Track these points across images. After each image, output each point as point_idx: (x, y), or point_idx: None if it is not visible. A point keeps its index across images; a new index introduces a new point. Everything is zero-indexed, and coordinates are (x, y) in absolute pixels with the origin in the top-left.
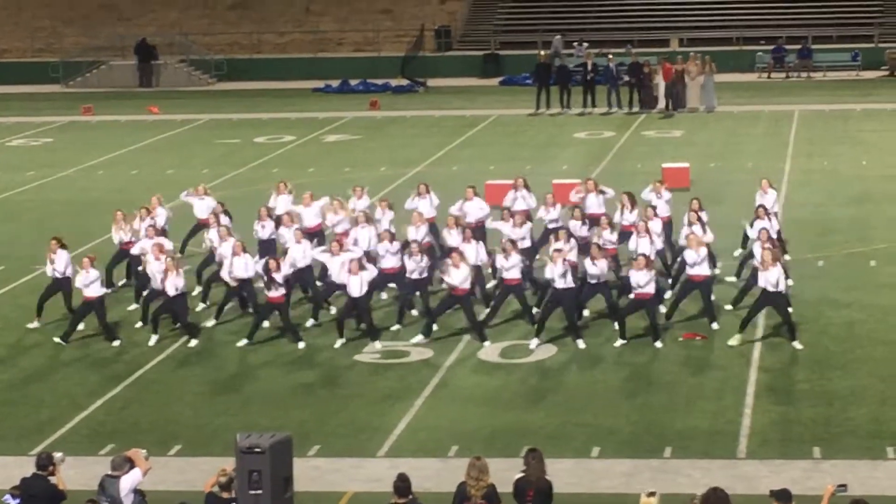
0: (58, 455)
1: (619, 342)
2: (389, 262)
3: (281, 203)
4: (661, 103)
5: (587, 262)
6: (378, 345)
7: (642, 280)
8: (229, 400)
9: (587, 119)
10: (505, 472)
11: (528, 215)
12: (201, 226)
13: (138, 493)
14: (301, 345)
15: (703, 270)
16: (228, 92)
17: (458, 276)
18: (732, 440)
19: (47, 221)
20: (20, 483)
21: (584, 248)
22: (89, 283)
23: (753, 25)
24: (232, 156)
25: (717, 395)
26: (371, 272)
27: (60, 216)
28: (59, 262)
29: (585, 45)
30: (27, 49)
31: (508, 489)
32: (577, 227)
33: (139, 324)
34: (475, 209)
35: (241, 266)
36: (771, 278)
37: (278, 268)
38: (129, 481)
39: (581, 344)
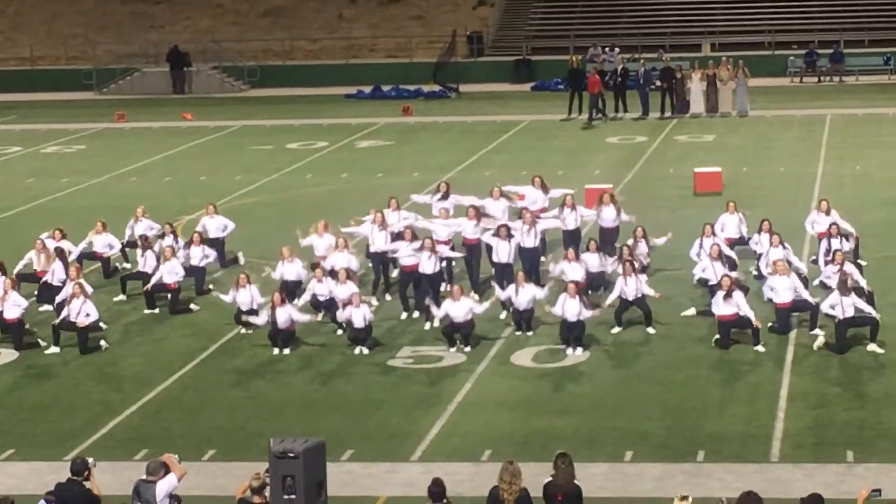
0: (89, 460)
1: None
2: (408, 260)
3: (210, 226)
4: (695, 108)
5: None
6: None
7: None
8: (262, 405)
9: (619, 124)
10: (538, 477)
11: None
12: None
13: (174, 499)
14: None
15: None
16: (261, 98)
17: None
18: (765, 444)
19: (80, 228)
20: (55, 488)
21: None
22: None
23: (785, 30)
24: (265, 162)
25: (750, 399)
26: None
27: (93, 223)
28: None
29: (617, 50)
30: (61, 56)
31: (541, 493)
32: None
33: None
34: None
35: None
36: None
37: (282, 302)
38: (165, 486)
39: (580, 351)
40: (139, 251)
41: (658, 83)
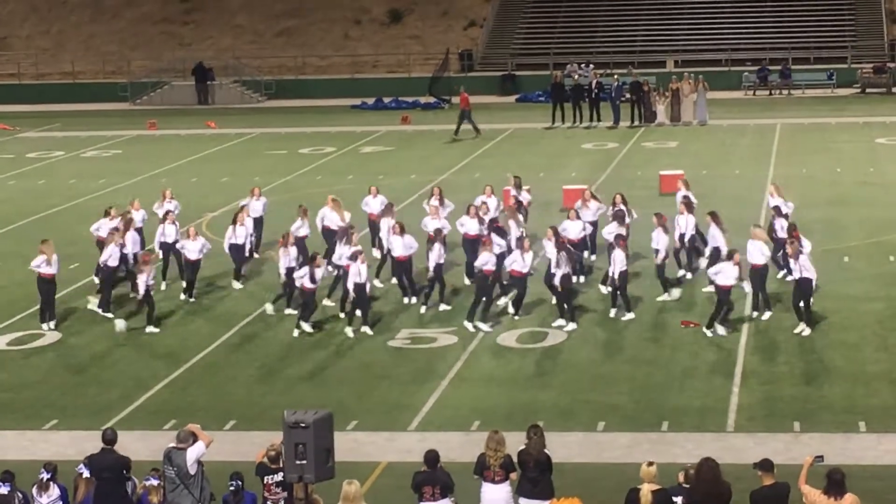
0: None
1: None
2: (400, 251)
3: (256, 206)
4: (659, 118)
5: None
6: (368, 330)
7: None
8: (277, 381)
9: (593, 132)
10: (521, 445)
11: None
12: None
13: (199, 463)
14: (296, 333)
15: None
16: (276, 109)
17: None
18: (722, 416)
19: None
20: (88, 458)
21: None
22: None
23: (740, 48)
24: (280, 165)
25: (709, 376)
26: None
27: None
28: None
29: (591, 66)
30: (99, 71)
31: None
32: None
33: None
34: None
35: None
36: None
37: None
38: (194, 452)
39: (573, 326)
40: (160, 225)
41: (627, 95)
